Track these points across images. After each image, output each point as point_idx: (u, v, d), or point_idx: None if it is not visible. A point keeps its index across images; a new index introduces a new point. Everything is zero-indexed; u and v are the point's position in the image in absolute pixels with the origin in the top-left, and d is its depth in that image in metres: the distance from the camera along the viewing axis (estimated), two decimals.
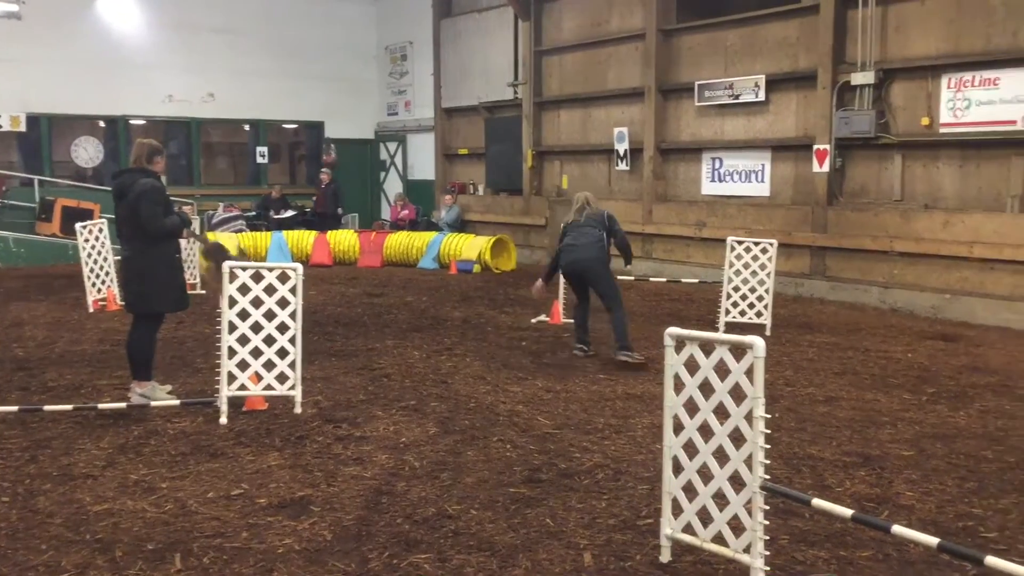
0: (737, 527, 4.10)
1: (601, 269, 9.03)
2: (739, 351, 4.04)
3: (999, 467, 5.88)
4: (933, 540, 3.69)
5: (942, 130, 11.83)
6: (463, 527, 4.83)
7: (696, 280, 13.40)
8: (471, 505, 5.14)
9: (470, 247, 16.56)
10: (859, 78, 12.43)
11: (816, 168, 13.13)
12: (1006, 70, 11.15)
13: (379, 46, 23.06)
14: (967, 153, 11.70)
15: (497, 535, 4.73)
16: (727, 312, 10.40)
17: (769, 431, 4.05)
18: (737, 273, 10.37)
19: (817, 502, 4.06)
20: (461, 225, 19.49)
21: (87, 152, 20.03)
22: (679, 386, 4.32)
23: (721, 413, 4.14)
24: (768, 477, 4.05)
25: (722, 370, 4.11)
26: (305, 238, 17.51)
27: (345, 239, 17.68)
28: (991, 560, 3.48)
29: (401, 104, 22.68)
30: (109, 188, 7.64)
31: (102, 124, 20.47)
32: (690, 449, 4.32)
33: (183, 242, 9.55)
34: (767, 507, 4.04)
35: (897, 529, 3.79)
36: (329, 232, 17.96)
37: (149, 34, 20.23)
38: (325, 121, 22.66)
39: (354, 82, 22.57)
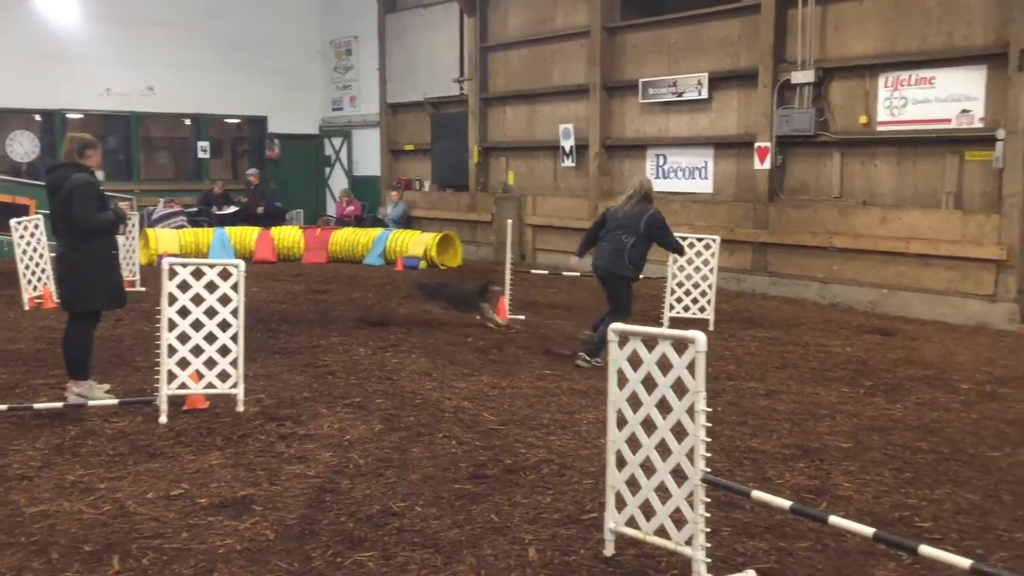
0: (679, 520, 4.14)
1: (616, 281, 8.58)
2: (681, 346, 4.08)
3: (934, 458, 6.02)
4: (869, 530, 3.76)
5: (879, 128, 12.07)
6: (408, 524, 4.82)
7: (641, 276, 13.47)
8: (416, 502, 5.13)
9: (416, 243, 16.51)
10: (799, 77, 12.63)
11: (757, 165, 13.32)
12: (941, 69, 11.41)
13: (323, 40, 22.84)
14: (904, 151, 11.95)
15: (442, 531, 4.73)
16: (671, 307, 10.50)
17: (711, 425, 4.09)
18: (681, 269, 10.48)
19: (757, 494, 4.12)
20: (407, 221, 19.41)
21: (22, 146, 19.55)
22: (623, 381, 4.36)
23: (664, 407, 4.18)
24: (709, 470, 4.10)
25: (665, 365, 4.15)
26: (248, 234, 17.28)
27: (290, 235, 17.50)
28: (924, 549, 3.56)
29: (346, 99, 22.50)
30: (44, 183, 7.47)
31: (38, 118, 20.00)
32: (633, 443, 4.35)
33: (121, 238, 9.38)
34: (709, 500, 4.09)
35: (834, 520, 3.86)
36: (273, 228, 17.77)
37: (86, 26, 19.79)
38: (269, 116, 22.38)
39: (298, 76, 22.32)
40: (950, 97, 11.32)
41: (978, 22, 11.09)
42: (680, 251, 9.12)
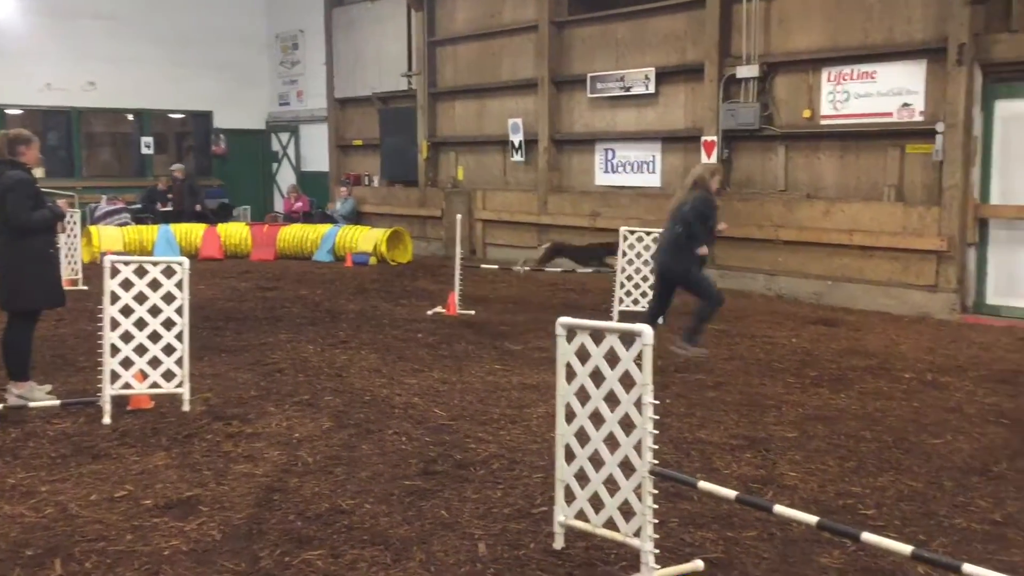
0: (628, 512, 4.17)
1: (672, 274, 8.57)
2: (628, 339, 4.10)
3: (877, 447, 6.13)
4: (813, 518, 3.82)
5: (823, 122, 12.25)
6: (357, 521, 4.79)
7: (591, 270, 13.56)
8: (365, 499, 5.10)
9: (366, 239, 16.40)
10: (744, 71, 12.75)
11: (704, 159, 13.43)
12: (882, 64, 11.60)
13: (269, 34, 22.57)
14: (846, 144, 12.14)
15: (391, 528, 4.71)
16: (621, 301, 10.56)
17: (659, 417, 4.13)
18: (630, 262, 10.55)
19: (703, 484, 4.16)
20: (356, 217, 19.28)
21: None
22: (571, 375, 4.37)
23: (612, 400, 4.20)
24: (657, 462, 4.13)
25: (613, 358, 4.17)
26: (194, 231, 17.03)
27: (237, 232, 17.28)
28: (867, 536, 3.63)
29: (293, 94, 22.27)
30: None
31: None
32: (582, 437, 4.37)
33: (62, 236, 9.22)
34: (656, 491, 4.11)
35: (778, 509, 3.92)
36: (220, 225, 17.55)
37: (24, 20, 19.36)
38: (214, 111, 22.08)
39: (244, 71, 22.03)
40: (891, 91, 11.52)
41: (917, 17, 11.30)
42: (690, 238, 8.36)
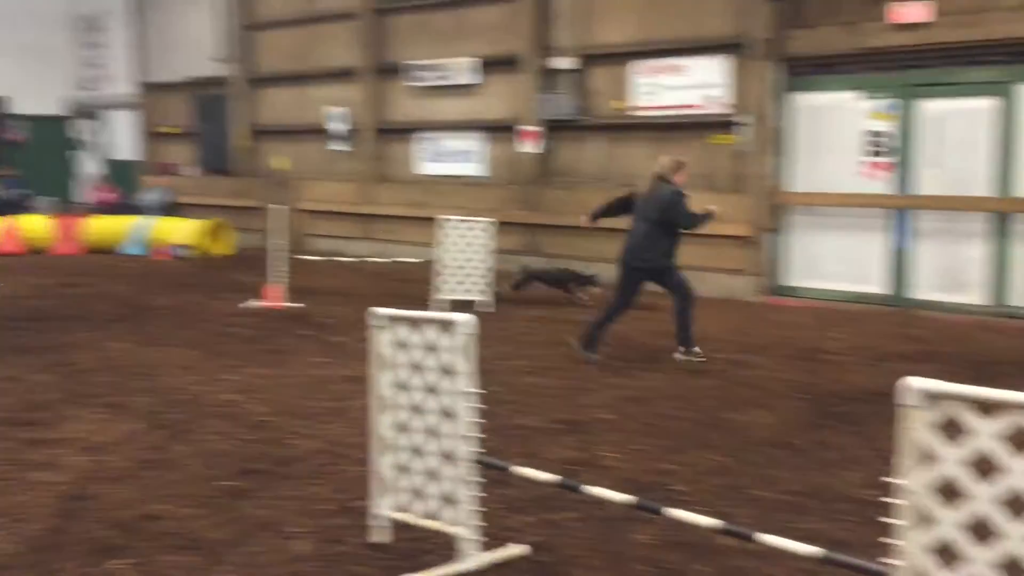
0: (450, 501, 4.17)
1: (630, 272, 8.01)
2: (449, 328, 4.09)
3: (689, 425, 6.40)
4: (625, 497, 3.95)
5: (636, 113, 12.66)
6: (170, 527, 4.58)
7: (418, 260, 13.52)
8: (179, 503, 4.89)
9: (182, 231, 15.74)
10: (561, 63, 13.02)
11: (524, 149, 13.63)
12: (691, 58, 12.11)
13: (70, 13, 21.25)
14: (659, 135, 12.59)
15: (207, 532, 4.53)
16: (446, 289, 10.59)
17: (482, 405, 4.14)
18: (454, 251, 10.58)
19: (516, 469, 4.22)
20: (170, 208, 18.47)
21: None
22: (389, 366, 4.32)
23: (433, 391, 4.18)
24: (484, 450, 4.15)
25: (434, 348, 4.15)
26: None
27: (37, 225, 16.22)
28: (670, 511, 3.79)
29: (98, 78, 21.08)
30: None
31: None
32: (402, 428, 4.34)
33: None
34: (481, 479, 4.13)
35: (589, 489, 4.02)
36: (19, 217, 16.43)
37: None
38: (9, 96, 20.62)
39: (40, 52, 20.64)
40: (699, 83, 12.03)
41: (721, 13, 11.84)
42: (691, 224, 7.98)
